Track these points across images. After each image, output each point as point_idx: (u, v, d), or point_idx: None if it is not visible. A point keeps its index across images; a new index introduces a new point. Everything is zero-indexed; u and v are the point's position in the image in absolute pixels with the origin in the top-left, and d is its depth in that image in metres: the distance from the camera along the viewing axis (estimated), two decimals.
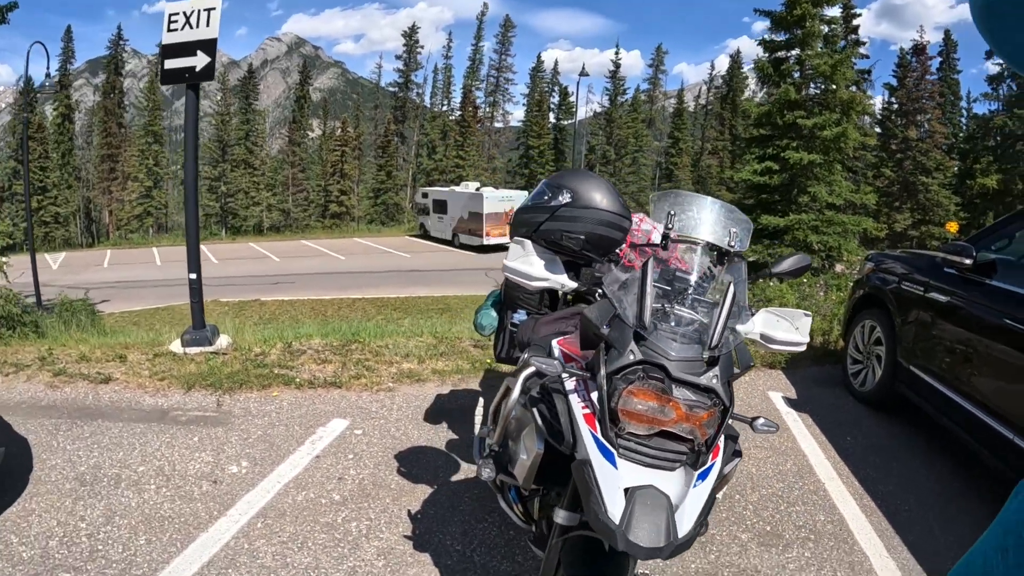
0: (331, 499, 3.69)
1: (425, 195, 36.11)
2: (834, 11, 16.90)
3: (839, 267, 15.26)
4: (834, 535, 3.69)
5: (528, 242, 2.61)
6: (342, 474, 4.01)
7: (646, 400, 1.86)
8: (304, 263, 26.55)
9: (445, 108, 57.56)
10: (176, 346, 6.30)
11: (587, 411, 1.94)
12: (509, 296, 3.60)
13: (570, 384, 2.06)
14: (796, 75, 16.67)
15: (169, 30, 6.31)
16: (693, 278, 2.17)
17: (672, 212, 2.19)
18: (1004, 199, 25.20)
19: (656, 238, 3.82)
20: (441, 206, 33.89)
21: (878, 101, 34.76)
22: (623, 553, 2.05)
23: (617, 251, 3.58)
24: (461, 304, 18.55)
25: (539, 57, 59.56)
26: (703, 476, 1.90)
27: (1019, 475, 3.13)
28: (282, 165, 50.91)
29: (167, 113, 61.13)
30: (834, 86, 16.29)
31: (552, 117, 53.78)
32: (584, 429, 1.90)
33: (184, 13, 6.25)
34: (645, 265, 2.07)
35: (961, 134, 38.92)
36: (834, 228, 15.24)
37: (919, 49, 40.03)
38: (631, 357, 1.91)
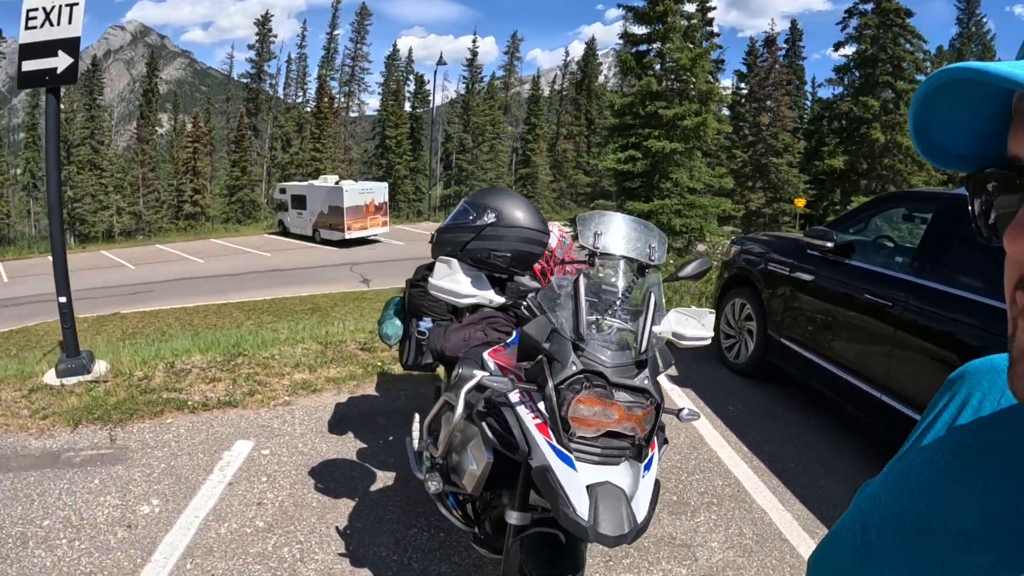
0: (256, 527, 3.62)
1: (283, 191, 34.93)
2: (691, 7, 17.63)
3: (701, 247, 16.13)
4: (733, 497, 4.12)
5: (454, 261, 2.77)
6: (260, 499, 3.93)
7: (592, 406, 2.05)
8: (162, 269, 25.12)
9: (300, 99, 55.96)
10: (51, 377, 5.84)
11: (538, 421, 2.10)
12: (413, 304, 3.69)
13: (515, 397, 2.19)
14: (657, 67, 17.26)
15: (27, 28, 5.63)
16: (620, 291, 2.39)
17: (598, 232, 2.39)
18: (849, 178, 27.53)
19: (556, 247, 4.05)
20: (300, 201, 32.91)
21: (728, 84, 37.01)
22: (577, 542, 2.35)
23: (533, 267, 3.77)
24: (330, 303, 18.25)
25: (395, 45, 59.34)
26: (648, 466, 2.13)
27: (872, 420, 4.01)
28: (131, 165, 47.60)
29: (3, 112, 56.27)
30: (694, 78, 17.17)
31: (408, 106, 53.29)
32: (539, 438, 2.06)
33: (44, 9, 5.61)
34: (576, 282, 2.24)
35: (807, 116, 41.87)
36: (696, 211, 16.17)
37: (770, 41, 42.69)
38: (573, 368, 2.08)
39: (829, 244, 5.20)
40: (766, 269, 6.13)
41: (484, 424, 2.28)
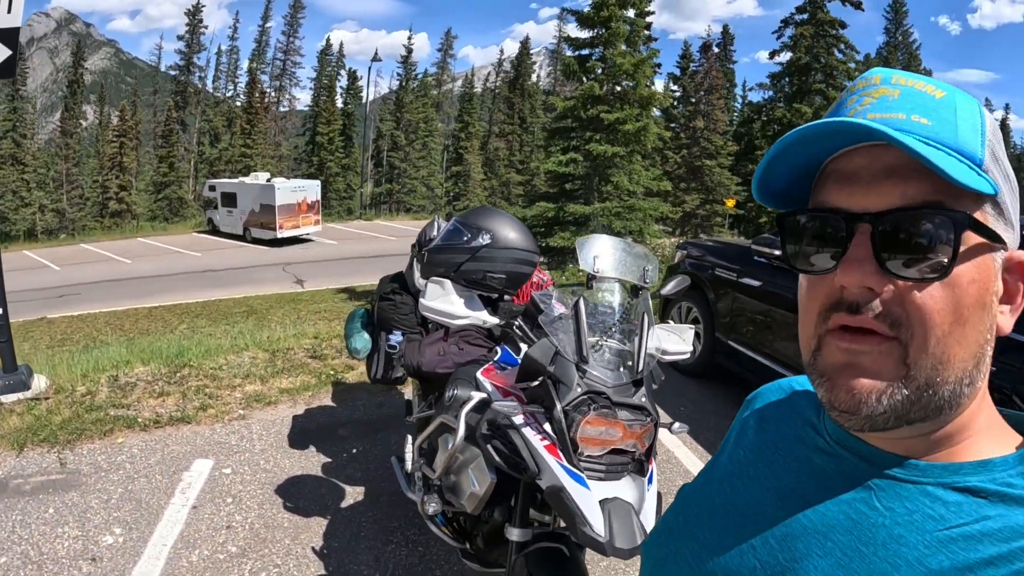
0: (228, 552, 3.53)
1: (212, 188, 33.98)
2: (630, 12, 17.73)
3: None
4: None
5: (447, 282, 2.82)
6: (228, 522, 3.83)
7: (598, 426, 2.13)
8: (88, 271, 24.11)
9: (231, 93, 54.51)
10: None
11: (546, 443, 2.15)
12: (383, 318, 3.68)
13: (519, 419, 2.23)
14: (600, 72, 17.40)
15: None
16: (616, 311, 2.47)
17: (596, 255, 2.48)
18: None
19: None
20: (230, 199, 32.09)
21: (659, 86, 37.87)
22: (578, 553, 2.45)
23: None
24: (265, 305, 17.92)
25: (327, 40, 57.89)
26: (650, 480, 2.22)
27: None
28: (54, 159, 45.23)
29: None
30: (635, 84, 17.35)
31: (340, 102, 52.48)
32: (550, 460, 2.11)
33: None
34: (577, 304, 2.32)
35: (737, 119, 42.88)
36: (635, 214, 16.40)
37: (706, 47, 43.55)
38: (579, 390, 2.16)
39: (777, 252, 5.35)
40: (713, 274, 6.35)
41: (489, 446, 2.31)
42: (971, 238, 0.61)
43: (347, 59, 58.88)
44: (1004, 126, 76.33)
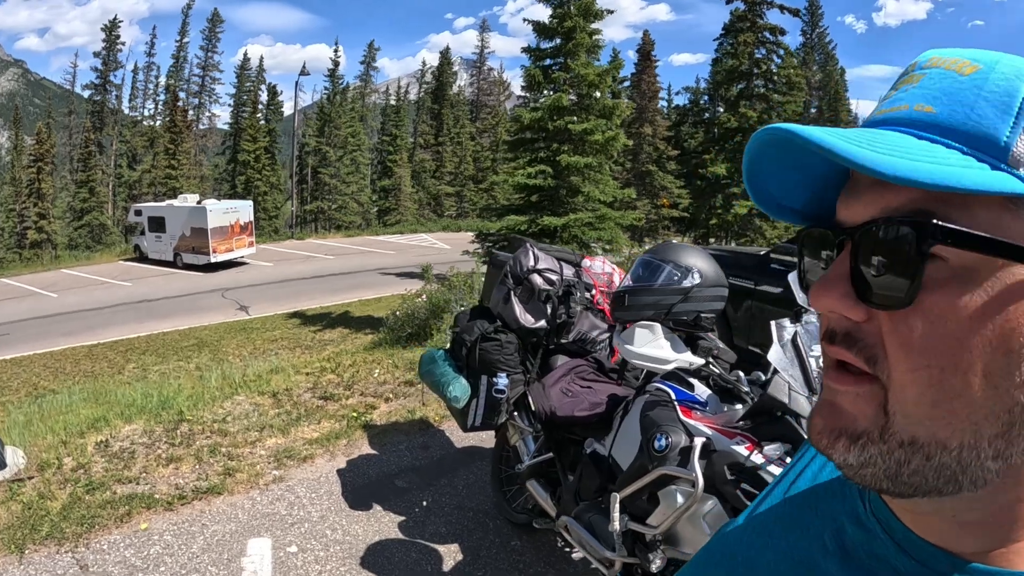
0: None
1: (139, 212, 32.11)
2: (597, 24, 17.70)
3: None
4: None
5: (658, 326, 2.77)
6: None
7: None
8: (12, 308, 22.25)
9: (150, 112, 52.09)
10: None
11: None
12: (487, 360, 3.54)
13: (759, 458, 2.22)
14: (563, 83, 17.23)
15: None
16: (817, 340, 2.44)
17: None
18: (730, 185, 28.56)
19: (615, 278, 3.91)
20: (158, 224, 30.41)
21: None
22: None
23: (589, 296, 3.71)
24: (214, 336, 16.95)
25: (246, 55, 55.85)
26: None
27: None
28: None
29: None
30: (598, 94, 17.29)
31: (262, 118, 50.75)
32: None
33: None
34: (795, 339, 2.31)
35: (668, 123, 43.40)
36: (607, 223, 16.32)
37: (646, 53, 43.93)
38: None
39: (796, 258, 5.91)
40: (729, 283, 6.61)
41: (738, 491, 2.23)
42: (969, 256, 0.46)
43: (266, 74, 57.10)
44: None
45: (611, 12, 18.20)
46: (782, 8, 28.91)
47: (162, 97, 51.86)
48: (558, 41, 17.70)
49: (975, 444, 0.47)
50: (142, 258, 31.69)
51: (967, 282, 0.46)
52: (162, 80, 52.83)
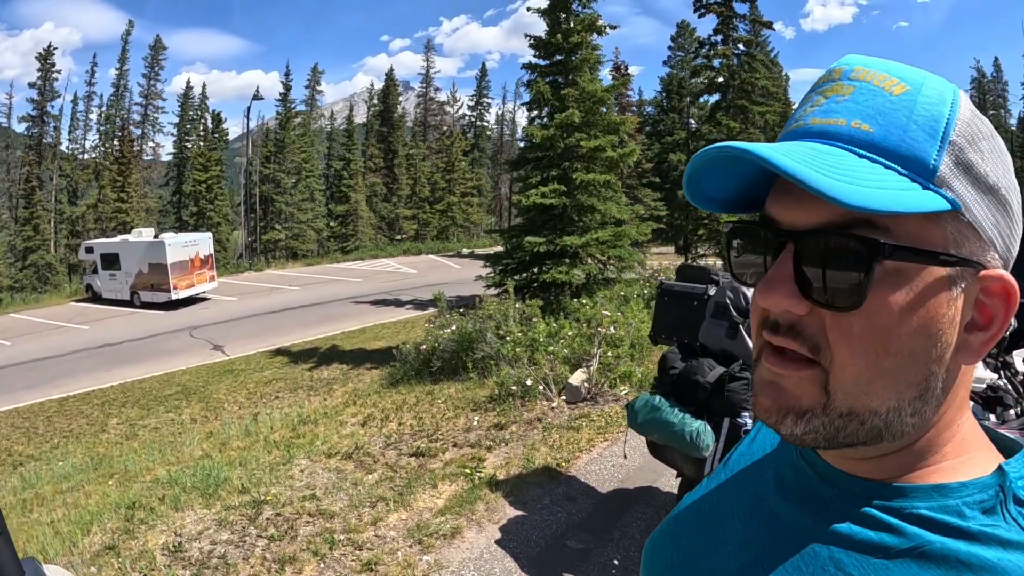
0: None
1: (90, 250, 30.04)
2: (594, 37, 17.33)
3: (631, 274, 15.57)
4: None
5: None
6: None
7: None
8: None
9: (93, 143, 49.56)
10: None
11: None
12: (735, 401, 3.36)
13: None
14: (571, 100, 16.68)
15: None
16: None
17: None
18: None
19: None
20: (112, 261, 28.52)
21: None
22: None
23: None
24: (198, 381, 15.59)
25: (188, 82, 53.79)
26: None
27: None
28: None
29: None
30: (604, 109, 16.99)
31: (203, 146, 48.68)
32: None
33: None
34: None
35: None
36: (624, 240, 15.96)
37: (623, 67, 44.11)
38: None
39: None
40: None
41: None
42: (906, 266, 0.57)
43: (208, 101, 55.05)
44: None
45: (614, 28, 17.78)
46: (756, 21, 28.86)
47: (103, 128, 49.44)
48: (569, 57, 17.22)
49: (898, 408, 0.59)
50: (95, 298, 29.74)
51: (898, 283, 0.57)
52: (102, 111, 50.35)
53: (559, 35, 16.92)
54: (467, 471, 5.34)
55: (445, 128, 61.30)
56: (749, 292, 3.46)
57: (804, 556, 0.64)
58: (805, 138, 0.61)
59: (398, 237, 51.76)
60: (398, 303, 24.07)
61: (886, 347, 0.57)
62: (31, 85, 46.40)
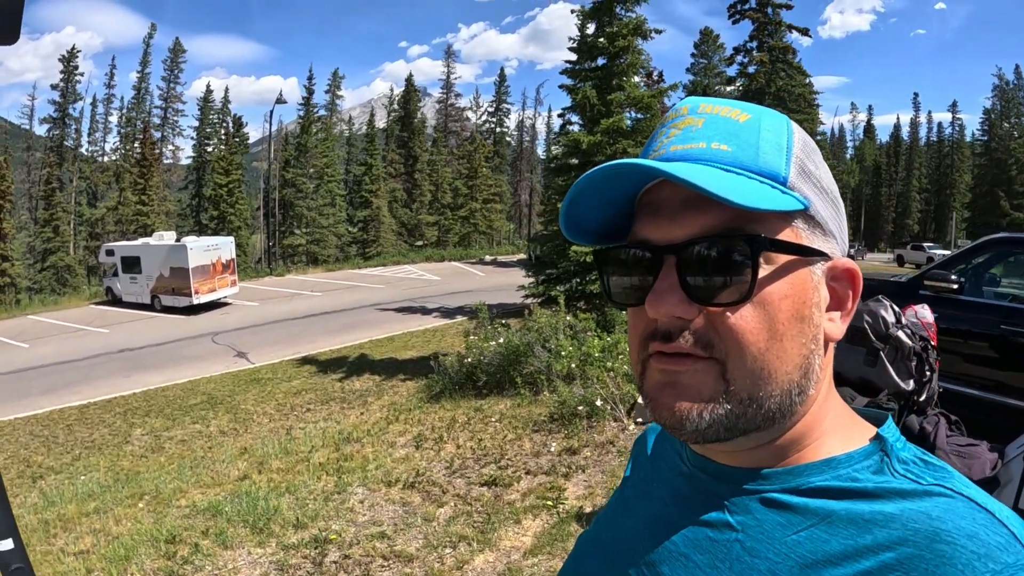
0: None
1: (110, 252, 29.67)
2: (639, 42, 16.87)
3: None
4: None
5: None
6: None
7: None
8: None
9: (112, 146, 49.46)
10: None
11: None
12: None
13: None
14: (616, 105, 16.32)
15: None
16: None
17: None
18: None
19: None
20: (132, 264, 28.08)
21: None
22: None
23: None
24: (223, 390, 14.92)
25: (208, 86, 53.66)
26: None
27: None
28: None
29: None
30: (651, 115, 16.69)
31: (225, 149, 48.55)
32: None
33: None
34: None
35: None
36: None
37: (650, 74, 43.51)
38: None
39: (955, 285, 5.64)
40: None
41: None
42: (776, 257, 0.64)
43: (227, 106, 54.91)
44: (869, 127, 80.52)
45: (660, 32, 17.19)
46: (790, 27, 28.24)
47: (124, 131, 49.30)
48: (616, 62, 16.67)
49: (788, 388, 0.64)
50: (115, 301, 29.38)
51: (778, 276, 0.63)
52: (123, 113, 50.24)
53: (603, 38, 16.39)
54: (549, 503, 4.85)
55: (466, 134, 60.95)
56: (888, 315, 3.31)
57: (717, 554, 0.66)
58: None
59: (419, 243, 51.32)
60: (424, 311, 23.42)
61: (773, 332, 0.63)
62: (53, 87, 46.58)
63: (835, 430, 0.69)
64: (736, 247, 0.62)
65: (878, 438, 0.67)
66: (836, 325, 0.68)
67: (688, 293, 0.63)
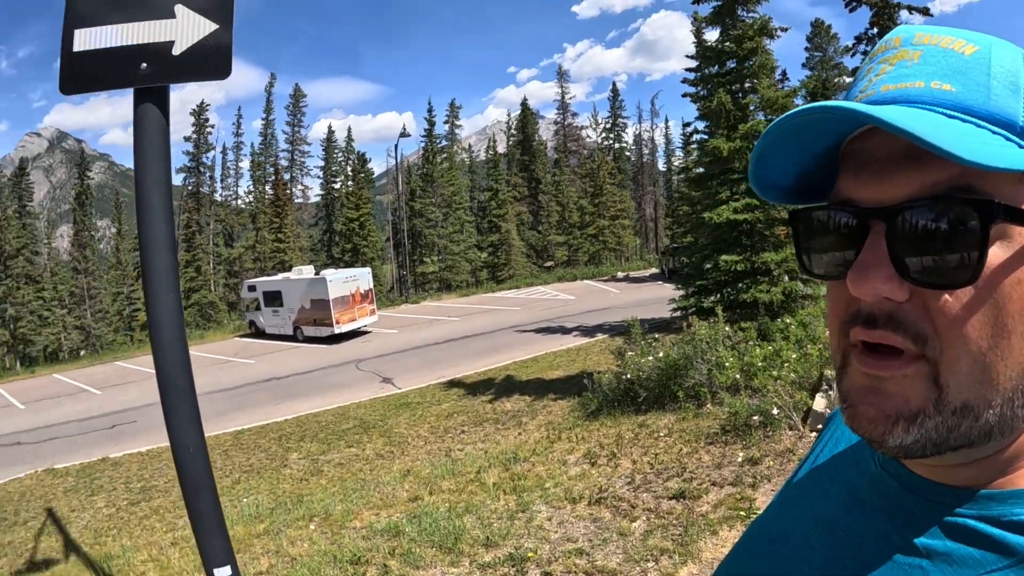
0: None
1: (252, 288, 31.21)
2: (772, 43, 16.52)
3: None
4: None
5: None
6: None
7: None
8: (133, 392, 20.79)
9: (246, 189, 52.75)
10: None
11: None
12: None
13: None
14: (752, 108, 16.01)
15: None
16: None
17: None
18: None
19: None
20: (274, 298, 29.40)
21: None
22: None
23: None
24: (375, 415, 15.03)
25: (330, 127, 56.24)
26: None
27: None
28: (71, 274, 42.85)
29: None
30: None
31: (352, 185, 50.78)
32: None
33: None
34: None
35: None
36: None
37: (780, 73, 42.64)
38: None
39: None
40: None
41: None
42: (1012, 230, 0.52)
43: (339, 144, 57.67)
44: None
45: (786, 30, 16.57)
46: (910, 8, 26.43)
47: (256, 174, 52.39)
48: (746, 64, 16.11)
49: (1012, 397, 0.53)
50: (258, 333, 30.76)
51: (1008, 250, 0.51)
52: (253, 158, 53.59)
53: (729, 42, 15.89)
54: (742, 513, 4.78)
55: (586, 152, 60.90)
56: None
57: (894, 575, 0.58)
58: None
59: (548, 264, 51.49)
60: (563, 330, 23.18)
61: (999, 326, 0.51)
62: (186, 139, 49.89)
63: None
64: (962, 214, 0.50)
65: None
66: None
67: (899, 269, 0.52)
